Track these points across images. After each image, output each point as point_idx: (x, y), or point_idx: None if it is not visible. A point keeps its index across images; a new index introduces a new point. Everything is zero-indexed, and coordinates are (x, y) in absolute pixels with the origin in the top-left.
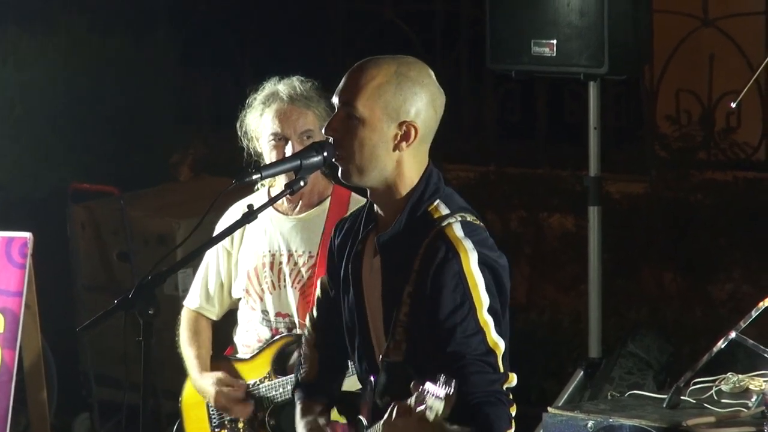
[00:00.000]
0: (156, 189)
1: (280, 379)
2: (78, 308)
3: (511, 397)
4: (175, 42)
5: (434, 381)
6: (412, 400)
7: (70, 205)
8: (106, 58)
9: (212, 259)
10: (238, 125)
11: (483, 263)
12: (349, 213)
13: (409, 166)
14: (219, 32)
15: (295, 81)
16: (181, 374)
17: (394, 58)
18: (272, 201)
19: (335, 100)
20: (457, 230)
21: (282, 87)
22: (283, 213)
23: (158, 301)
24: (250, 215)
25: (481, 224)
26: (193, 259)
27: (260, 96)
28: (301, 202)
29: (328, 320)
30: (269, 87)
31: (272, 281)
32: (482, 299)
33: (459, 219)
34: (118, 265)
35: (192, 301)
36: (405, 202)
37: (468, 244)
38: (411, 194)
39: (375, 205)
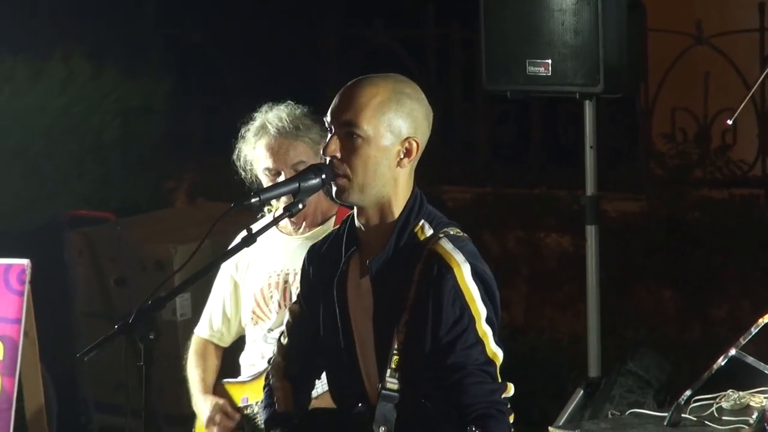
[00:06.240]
0: (152, 214)
1: None
2: (76, 335)
3: (509, 406)
4: (168, 68)
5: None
6: None
7: (67, 231)
8: (100, 86)
9: (222, 288)
10: (234, 156)
11: (476, 275)
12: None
13: (403, 184)
14: (212, 59)
15: (283, 111)
16: (181, 399)
17: (386, 76)
18: (273, 223)
19: (329, 120)
20: (446, 244)
21: (271, 118)
22: (287, 234)
23: (159, 326)
24: (250, 239)
25: (465, 235)
26: (192, 284)
27: (252, 128)
28: (305, 223)
29: (299, 348)
30: (259, 118)
31: (278, 301)
32: (480, 310)
33: (443, 235)
34: (116, 291)
35: (202, 330)
36: (394, 224)
37: (459, 257)
38: (400, 215)
39: (358, 227)
